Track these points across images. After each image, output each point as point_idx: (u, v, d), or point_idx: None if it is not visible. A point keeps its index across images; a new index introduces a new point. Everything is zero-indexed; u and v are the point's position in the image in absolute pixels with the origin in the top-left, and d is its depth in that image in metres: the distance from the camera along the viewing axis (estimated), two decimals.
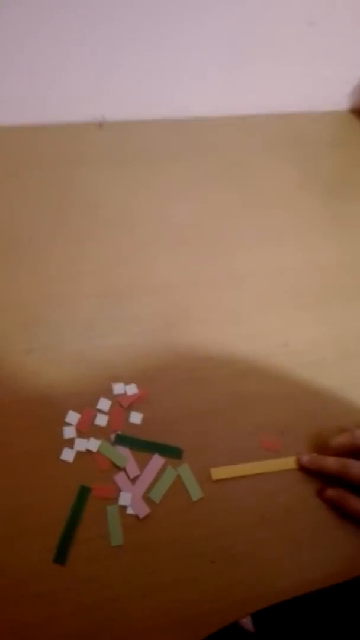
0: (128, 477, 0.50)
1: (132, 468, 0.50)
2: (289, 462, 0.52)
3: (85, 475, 0.49)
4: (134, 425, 0.53)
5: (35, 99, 0.68)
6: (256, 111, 0.79)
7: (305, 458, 0.51)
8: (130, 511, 0.48)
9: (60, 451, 0.50)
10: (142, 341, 0.57)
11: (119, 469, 0.50)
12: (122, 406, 0.53)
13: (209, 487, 0.51)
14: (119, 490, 0.49)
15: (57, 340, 0.56)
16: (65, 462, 0.50)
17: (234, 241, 0.66)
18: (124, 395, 0.54)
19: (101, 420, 0.52)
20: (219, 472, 0.51)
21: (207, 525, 0.50)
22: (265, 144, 0.77)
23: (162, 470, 0.51)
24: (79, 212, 0.63)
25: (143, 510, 0.49)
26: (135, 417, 0.53)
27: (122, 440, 0.51)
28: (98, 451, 0.51)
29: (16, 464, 0.49)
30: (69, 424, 0.51)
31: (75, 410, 0.52)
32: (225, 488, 0.51)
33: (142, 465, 0.51)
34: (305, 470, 0.52)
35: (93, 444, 0.51)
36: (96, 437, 0.51)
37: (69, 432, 0.51)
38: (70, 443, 0.51)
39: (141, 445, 0.52)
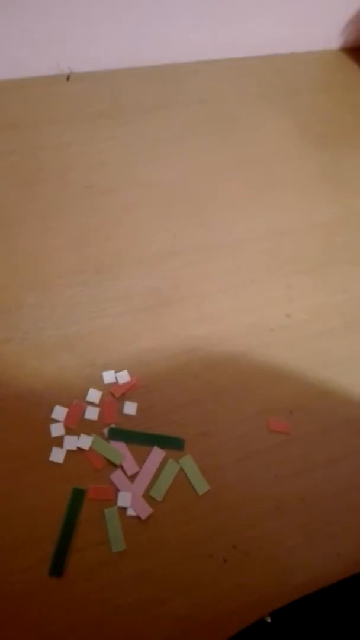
0: (126, 475, 0.45)
1: (130, 464, 0.46)
2: None
3: (78, 477, 0.45)
4: (128, 416, 0.48)
5: None
6: (242, 54, 0.71)
7: None
8: (130, 512, 0.44)
9: (48, 451, 0.45)
10: (131, 322, 0.52)
11: (115, 466, 0.45)
12: (114, 396, 0.48)
13: (216, 477, 0.46)
14: (117, 490, 0.45)
15: (37, 326, 0.50)
16: (55, 464, 0.45)
17: (226, 203, 0.60)
18: (116, 384, 0.49)
19: (92, 414, 0.47)
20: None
21: (216, 521, 0.45)
22: (254, 92, 0.69)
23: (162, 465, 0.46)
24: (49, 178, 0.56)
25: (145, 510, 0.44)
26: (130, 408, 0.48)
27: (116, 434, 0.46)
28: (91, 448, 0.46)
29: None
30: (56, 421, 0.46)
31: (62, 404, 0.47)
32: (234, 477, 0.47)
33: (140, 461, 0.46)
34: None
35: (84, 441, 0.46)
36: (87, 432, 0.46)
37: (56, 430, 0.46)
38: (59, 442, 0.45)
39: (138, 438, 0.47)
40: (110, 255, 0.54)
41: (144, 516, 0.44)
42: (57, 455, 0.45)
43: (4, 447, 0.45)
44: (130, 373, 0.49)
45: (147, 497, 0.45)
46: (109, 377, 0.49)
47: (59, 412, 0.46)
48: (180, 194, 0.59)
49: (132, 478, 0.45)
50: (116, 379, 0.49)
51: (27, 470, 0.44)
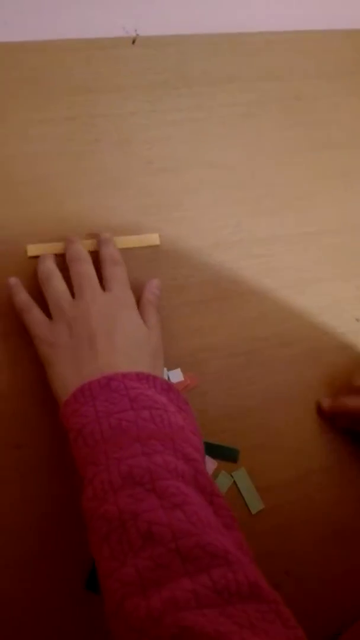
0: None
1: None
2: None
3: None
4: None
5: (50, 8, 0.54)
6: (321, 26, 0.64)
7: (326, 403, 0.45)
8: None
9: None
10: (187, 316, 0.47)
11: None
12: None
13: (271, 495, 0.42)
14: None
15: None
16: None
17: (295, 190, 0.54)
18: None
19: None
20: (34, 249, 0.45)
21: (268, 543, 0.42)
22: (332, 69, 0.62)
23: (214, 476, 0.42)
24: (107, 149, 0.51)
25: None
26: None
27: None
28: None
29: (39, 468, 0.40)
30: None
31: None
32: (291, 496, 0.43)
33: None
34: (326, 415, 0.45)
35: None
36: None
37: None
38: None
39: None
40: (167, 240, 0.50)
41: None
42: None
43: (45, 445, 0.41)
44: (184, 372, 0.45)
45: None
46: None
47: None
48: (246, 178, 0.53)
49: None
50: (168, 377, 0.45)
51: (65, 470, 0.40)
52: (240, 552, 0.29)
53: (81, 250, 0.43)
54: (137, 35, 0.57)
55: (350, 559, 0.42)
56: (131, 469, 0.30)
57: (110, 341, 0.38)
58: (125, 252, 0.47)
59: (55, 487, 0.40)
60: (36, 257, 0.45)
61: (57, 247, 0.46)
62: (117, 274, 0.43)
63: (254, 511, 0.42)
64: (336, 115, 0.59)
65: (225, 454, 0.43)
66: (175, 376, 0.45)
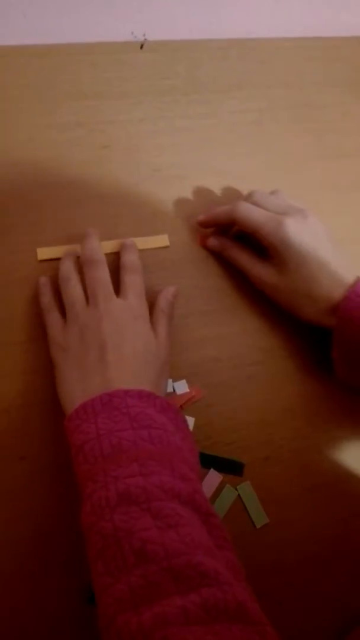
0: None
1: None
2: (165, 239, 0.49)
3: None
4: None
5: (59, 13, 0.54)
6: (332, 33, 0.63)
7: (201, 216, 0.48)
8: None
9: None
10: (192, 326, 0.47)
11: None
12: None
13: (276, 509, 0.42)
14: None
15: None
16: None
17: (305, 200, 0.53)
18: (173, 394, 0.44)
19: None
20: (44, 252, 0.46)
21: (273, 558, 0.41)
22: (343, 77, 0.62)
23: (219, 490, 0.42)
24: (115, 156, 0.51)
25: None
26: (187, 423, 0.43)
27: None
28: None
29: (44, 480, 0.40)
30: None
31: None
32: (297, 511, 0.42)
33: None
34: (203, 226, 0.49)
35: None
36: None
37: None
38: None
39: None
40: (174, 249, 0.49)
41: None
42: None
43: (49, 455, 0.41)
44: (189, 383, 0.45)
45: None
46: None
47: None
48: (255, 186, 0.52)
49: None
50: (174, 388, 0.44)
51: (66, 483, 0.40)
52: (230, 573, 0.29)
53: (96, 249, 0.43)
54: (146, 40, 0.57)
55: (356, 575, 0.42)
56: (128, 488, 0.31)
57: (119, 354, 0.38)
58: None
59: (59, 498, 0.40)
60: (47, 261, 0.45)
61: (67, 250, 0.46)
62: (134, 283, 0.43)
63: (258, 525, 0.41)
64: (346, 124, 0.59)
65: (230, 467, 0.43)
66: (181, 387, 0.44)
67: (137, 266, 0.44)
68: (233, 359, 0.46)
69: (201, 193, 0.52)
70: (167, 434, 0.34)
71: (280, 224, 0.43)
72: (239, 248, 0.47)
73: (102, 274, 0.42)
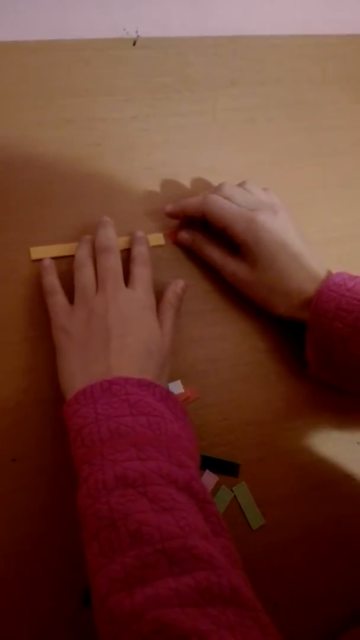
0: None
1: None
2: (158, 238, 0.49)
3: None
4: None
5: (51, 9, 0.53)
6: (325, 31, 0.63)
7: (169, 206, 0.47)
8: None
9: None
10: (187, 326, 0.46)
11: None
12: None
13: (272, 511, 0.42)
14: None
15: None
16: None
17: (299, 198, 0.53)
18: None
19: None
20: (38, 252, 0.45)
21: (269, 559, 0.41)
22: (336, 74, 0.61)
23: (214, 491, 0.42)
24: (107, 155, 0.50)
25: None
26: None
27: None
28: None
29: (34, 482, 0.39)
30: None
31: None
32: (293, 512, 0.42)
33: None
34: (171, 216, 0.48)
35: None
36: None
37: None
38: None
39: None
40: (168, 249, 0.49)
41: None
42: None
43: (42, 457, 0.40)
44: (184, 384, 0.44)
45: None
46: None
47: None
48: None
49: None
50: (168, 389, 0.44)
51: (68, 486, 0.39)
52: (225, 558, 0.29)
53: (111, 237, 0.43)
54: (138, 36, 0.56)
55: (352, 576, 0.42)
56: (125, 472, 0.31)
57: (123, 343, 0.38)
58: (128, 255, 0.46)
59: (53, 499, 0.39)
60: (40, 260, 0.44)
61: (60, 249, 0.45)
62: (143, 275, 0.43)
63: (254, 527, 0.41)
64: (340, 122, 0.59)
65: (225, 468, 0.42)
66: (176, 388, 0.44)
67: (147, 259, 0.44)
68: (228, 360, 0.46)
69: (194, 191, 0.51)
70: (165, 421, 0.34)
71: (252, 221, 0.43)
72: (211, 244, 0.47)
73: (114, 263, 0.42)
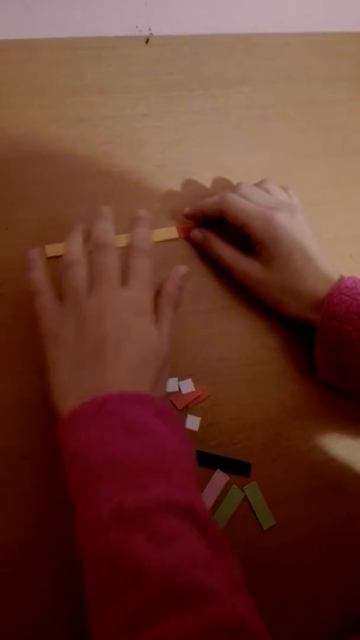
0: None
1: None
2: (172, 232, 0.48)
3: None
4: (190, 432, 0.43)
5: (63, 6, 0.53)
6: (338, 28, 0.63)
7: (187, 209, 0.47)
8: None
9: None
10: (199, 324, 0.46)
11: None
12: (176, 408, 0.43)
13: (283, 511, 0.41)
14: None
15: None
16: None
17: (312, 197, 0.53)
18: (179, 393, 0.43)
19: None
20: (53, 249, 0.45)
21: (279, 559, 0.41)
22: (349, 73, 0.61)
23: (225, 491, 0.41)
24: (119, 153, 0.50)
25: None
26: (193, 422, 0.43)
27: None
28: None
29: (45, 480, 0.39)
30: None
31: None
32: (303, 512, 0.42)
33: (200, 484, 0.41)
34: (190, 218, 0.48)
35: None
36: None
37: None
38: None
39: (200, 459, 0.42)
40: (182, 246, 0.48)
41: None
42: None
43: (52, 455, 0.40)
44: (195, 382, 0.44)
45: None
46: (171, 385, 0.44)
47: None
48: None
49: None
50: (179, 387, 0.44)
51: None
52: (228, 586, 0.28)
53: (108, 231, 0.39)
54: (151, 34, 0.56)
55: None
56: (122, 504, 0.29)
57: (118, 354, 0.35)
58: None
59: (62, 497, 0.39)
60: (55, 258, 0.44)
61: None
62: (143, 269, 0.39)
63: (265, 527, 0.41)
64: (353, 120, 0.58)
65: (236, 467, 0.42)
66: (187, 387, 0.44)
67: (147, 246, 0.40)
68: (240, 358, 0.46)
69: (207, 189, 0.51)
70: (162, 441, 0.33)
71: (270, 219, 0.43)
72: (222, 242, 0.46)
73: (110, 261, 0.38)
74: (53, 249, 0.45)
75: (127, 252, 0.39)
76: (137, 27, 0.55)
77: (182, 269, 0.41)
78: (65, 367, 0.36)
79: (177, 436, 0.35)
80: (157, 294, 0.40)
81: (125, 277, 0.38)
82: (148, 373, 0.36)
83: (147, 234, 0.40)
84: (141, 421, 0.33)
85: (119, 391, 0.34)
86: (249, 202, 0.44)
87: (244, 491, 0.41)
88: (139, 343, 0.36)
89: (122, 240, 0.44)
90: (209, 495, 0.41)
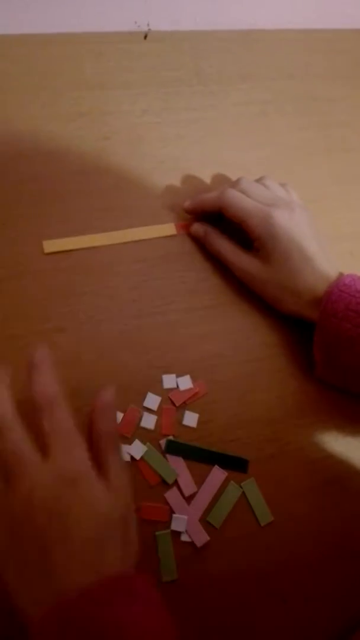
0: (182, 495, 0.40)
1: (187, 483, 0.41)
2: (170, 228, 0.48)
3: None
4: (188, 428, 0.43)
5: (62, 1, 0.53)
6: (336, 25, 0.63)
7: (187, 202, 0.47)
8: (185, 538, 0.40)
9: None
10: (197, 321, 0.46)
11: (169, 485, 0.40)
12: (174, 404, 0.43)
13: (281, 507, 0.41)
14: (172, 512, 0.40)
15: (94, 318, 0.44)
16: None
17: (311, 193, 0.53)
18: (177, 390, 0.43)
19: (148, 422, 0.42)
20: (51, 245, 0.44)
21: (277, 556, 0.41)
22: (348, 70, 0.61)
23: (223, 487, 0.41)
24: (118, 148, 0.50)
25: (201, 537, 0.39)
26: (190, 419, 0.43)
27: (174, 447, 0.41)
28: (144, 460, 0.41)
29: None
30: None
31: (117, 408, 0.41)
32: (301, 509, 0.42)
33: (198, 480, 0.41)
34: (190, 212, 0.48)
35: (137, 449, 0.41)
36: (142, 442, 0.41)
37: None
38: None
39: (197, 455, 0.42)
40: (180, 242, 0.48)
41: (199, 544, 0.39)
42: None
43: None
44: (193, 379, 0.44)
45: (204, 522, 0.40)
46: (169, 381, 0.43)
47: None
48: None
49: (188, 499, 0.40)
50: (177, 384, 0.44)
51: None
52: None
53: (51, 383, 0.33)
54: (150, 30, 0.56)
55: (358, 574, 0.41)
56: None
57: (65, 545, 0.29)
58: (139, 247, 0.46)
59: None
60: (53, 254, 0.44)
61: (73, 242, 0.45)
62: (57, 424, 0.32)
63: (262, 523, 0.41)
64: (352, 117, 0.58)
65: (234, 463, 0.42)
66: (185, 383, 0.44)
67: (53, 392, 0.33)
68: (238, 355, 0.46)
69: (206, 185, 0.51)
70: (134, 637, 0.27)
71: (269, 216, 0.43)
72: (223, 238, 0.46)
73: (17, 434, 0.31)
74: (50, 245, 0.45)
75: (33, 411, 0.33)
76: (135, 22, 0.55)
77: (107, 395, 0.34)
78: (12, 573, 0.29)
79: (152, 618, 0.29)
80: (90, 434, 0.33)
81: (42, 442, 0.31)
82: (110, 544, 0.30)
83: (48, 378, 0.33)
84: (111, 622, 0.27)
85: (79, 588, 0.28)
86: (248, 199, 0.44)
87: (242, 487, 0.41)
88: (86, 520, 0.30)
89: (113, 237, 0.45)
90: (208, 491, 0.41)
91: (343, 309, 0.40)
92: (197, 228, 0.47)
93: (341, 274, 0.43)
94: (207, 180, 0.51)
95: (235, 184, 0.46)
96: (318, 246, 0.44)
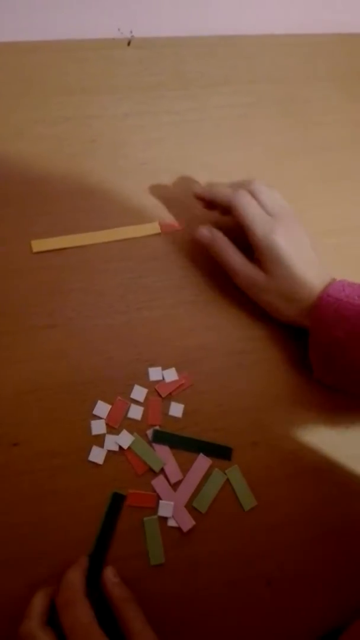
0: (168, 482, 0.42)
1: (173, 471, 0.42)
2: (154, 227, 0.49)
3: (118, 480, 0.41)
4: (174, 418, 0.44)
5: (46, 9, 0.54)
6: (315, 30, 0.65)
7: (199, 188, 0.48)
8: (172, 523, 0.41)
9: (88, 450, 0.42)
10: (182, 315, 0.48)
11: (156, 473, 0.42)
12: (160, 396, 0.44)
13: (264, 493, 0.43)
14: (159, 499, 0.41)
15: (82, 313, 0.46)
16: (94, 464, 0.41)
17: (293, 191, 0.54)
18: (162, 382, 0.45)
19: (135, 413, 0.43)
20: (39, 244, 0.46)
21: (261, 539, 0.42)
22: (325, 73, 0.63)
23: (207, 474, 0.43)
24: (102, 151, 0.52)
25: (187, 522, 0.41)
26: (176, 409, 0.44)
27: (160, 437, 0.43)
28: (131, 449, 0.42)
29: (35, 466, 0.41)
30: (97, 417, 0.43)
31: (105, 400, 0.43)
32: (284, 494, 0.43)
33: (184, 468, 0.42)
34: (199, 198, 0.48)
35: (125, 439, 0.42)
36: (129, 432, 0.43)
37: (97, 427, 0.42)
38: (100, 441, 0.42)
39: (183, 444, 0.43)
40: (165, 240, 0.50)
41: (185, 528, 0.41)
42: (97, 455, 0.42)
43: (41, 443, 0.41)
44: (178, 371, 0.45)
45: (190, 507, 0.41)
46: (155, 374, 0.45)
47: (102, 409, 0.43)
48: (242, 179, 0.54)
49: (174, 486, 0.42)
50: (163, 376, 0.45)
51: (64, 470, 0.41)
52: None
53: (75, 581, 0.36)
54: (133, 36, 0.58)
55: (343, 558, 0.43)
56: None
57: None
58: (125, 246, 0.48)
59: (52, 482, 0.41)
60: (41, 253, 0.46)
61: (61, 241, 0.47)
62: (74, 621, 0.34)
63: (246, 508, 0.42)
64: (331, 118, 0.60)
65: (219, 451, 0.43)
66: (170, 375, 0.45)
67: (77, 585, 0.36)
68: (221, 348, 0.47)
69: (189, 187, 0.53)
70: None
71: (271, 231, 0.44)
72: (231, 247, 0.46)
73: (83, 611, 0.34)
74: (38, 244, 0.46)
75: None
76: (119, 29, 0.57)
77: (109, 572, 0.38)
78: None
79: None
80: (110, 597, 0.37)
81: None
82: None
83: (77, 576, 0.36)
84: None
85: None
86: (256, 206, 0.45)
87: (226, 474, 0.43)
88: None
89: (99, 237, 0.46)
90: (193, 478, 0.42)
91: (332, 313, 0.42)
92: (205, 233, 0.47)
93: (333, 280, 0.45)
94: (189, 181, 0.53)
95: (247, 184, 0.47)
96: (315, 254, 0.45)
